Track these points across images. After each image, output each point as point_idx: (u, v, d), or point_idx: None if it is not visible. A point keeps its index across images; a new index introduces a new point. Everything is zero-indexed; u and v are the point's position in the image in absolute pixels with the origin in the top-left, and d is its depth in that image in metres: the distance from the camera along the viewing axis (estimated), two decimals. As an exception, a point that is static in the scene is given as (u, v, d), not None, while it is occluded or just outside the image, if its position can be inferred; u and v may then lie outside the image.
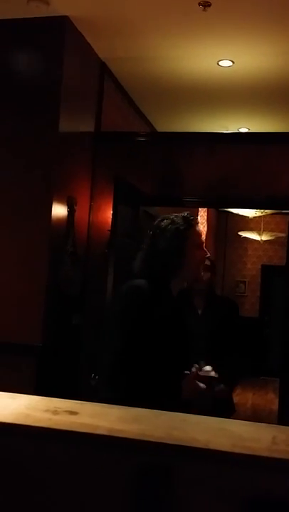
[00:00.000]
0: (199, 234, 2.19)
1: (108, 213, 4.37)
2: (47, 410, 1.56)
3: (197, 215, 9.03)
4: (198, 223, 2.22)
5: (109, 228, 4.32)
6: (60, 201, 3.65)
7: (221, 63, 4.30)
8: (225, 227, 10.29)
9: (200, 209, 8.92)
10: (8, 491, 1.44)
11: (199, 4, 3.40)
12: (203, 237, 2.22)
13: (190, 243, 2.13)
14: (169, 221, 2.17)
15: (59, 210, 3.64)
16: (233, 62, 4.28)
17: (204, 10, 3.43)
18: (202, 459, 1.36)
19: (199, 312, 3.46)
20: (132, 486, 1.40)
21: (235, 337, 3.41)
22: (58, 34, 3.67)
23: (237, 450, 1.34)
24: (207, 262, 3.44)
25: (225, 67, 4.35)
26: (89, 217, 4.14)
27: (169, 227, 2.14)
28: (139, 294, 2.05)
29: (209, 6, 3.42)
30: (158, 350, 1.99)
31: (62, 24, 3.65)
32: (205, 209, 8.98)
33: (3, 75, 3.75)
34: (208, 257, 3.43)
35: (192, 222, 2.16)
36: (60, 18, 3.62)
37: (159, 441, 1.38)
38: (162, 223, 2.17)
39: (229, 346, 3.31)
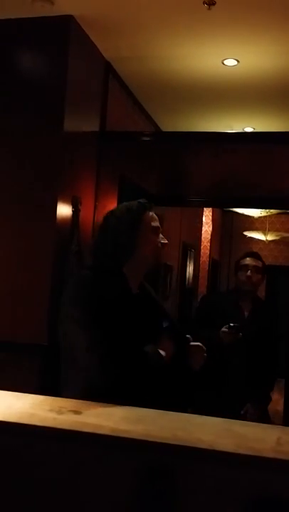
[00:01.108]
0: (155, 218, 2.10)
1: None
2: (51, 410, 1.56)
3: (202, 215, 9.03)
4: (152, 210, 2.11)
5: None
6: (64, 201, 3.65)
7: (225, 62, 4.28)
8: (230, 227, 10.27)
9: (205, 209, 8.91)
10: (13, 490, 1.44)
11: (204, 3, 3.38)
12: (158, 223, 2.10)
13: (144, 226, 2.06)
14: (121, 205, 2.16)
15: (64, 210, 3.64)
16: (238, 61, 4.26)
17: (209, 9, 3.42)
18: (206, 460, 1.35)
19: (246, 314, 3.38)
20: (136, 486, 1.40)
21: (275, 344, 3.37)
22: (62, 33, 3.66)
23: (241, 451, 1.33)
24: (257, 264, 3.38)
25: (230, 66, 4.33)
26: (94, 216, 4.14)
27: (120, 208, 2.13)
28: (84, 286, 1.96)
29: (214, 4, 3.40)
30: (123, 334, 1.89)
31: (66, 23, 3.64)
32: (210, 209, 8.98)
33: (8, 74, 3.75)
34: (259, 259, 3.41)
35: (147, 205, 2.10)
36: (64, 17, 3.62)
37: (164, 441, 1.38)
38: (115, 208, 2.16)
39: (269, 353, 3.29)
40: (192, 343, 2.19)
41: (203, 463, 1.36)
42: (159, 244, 2.10)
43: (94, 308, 1.88)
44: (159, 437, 1.40)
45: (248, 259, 3.43)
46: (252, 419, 3.00)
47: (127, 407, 1.64)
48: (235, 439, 1.42)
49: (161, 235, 2.11)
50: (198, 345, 2.20)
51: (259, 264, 3.40)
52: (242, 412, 3.09)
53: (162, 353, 1.97)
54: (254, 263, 3.39)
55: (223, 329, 3.11)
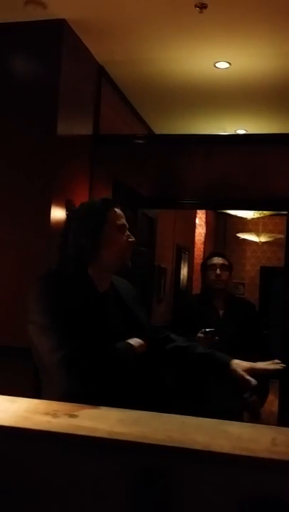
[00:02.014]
0: (120, 216, 2.01)
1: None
2: (46, 413, 1.56)
3: (195, 217, 9.04)
4: (117, 207, 2.03)
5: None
6: (58, 204, 3.65)
7: (217, 65, 4.31)
8: (223, 229, 10.30)
9: (198, 211, 8.93)
10: (9, 494, 1.44)
11: (196, 6, 3.39)
12: (124, 220, 2.02)
13: (109, 225, 1.96)
14: (85, 203, 2.09)
15: (58, 214, 3.64)
16: (230, 64, 4.28)
17: (201, 12, 3.43)
18: (202, 461, 1.36)
19: (221, 314, 3.41)
20: (132, 488, 1.40)
21: (258, 340, 3.37)
22: (55, 37, 3.67)
23: (237, 452, 1.34)
24: (224, 262, 3.43)
25: (222, 69, 4.36)
26: (87, 219, 4.14)
27: (84, 206, 2.05)
28: (47, 287, 1.91)
29: (205, 7, 3.42)
30: (86, 334, 1.83)
31: (59, 27, 3.65)
32: (203, 211, 8.99)
33: (1, 78, 3.75)
34: (224, 257, 3.44)
35: (111, 203, 2.02)
36: (57, 21, 3.63)
37: (159, 443, 1.39)
38: (78, 207, 2.08)
39: (254, 350, 3.29)
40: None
41: (198, 464, 1.37)
42: (125, 244, 2.01)
43: (54, 311, 1.83)
44: (155, 439, 1.40)
45: (214, 258, 3.49)
46: (254, 405, 3.00)
47: (122, 409, 1.64)
48: (231, 440, 1.42)
49: (127, 233, 2.02)
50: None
51: (226, 262, 3.46)
52: (245, 396, 3.07)
53: (133, 342, 1.93)
54: (221, 261, 3.45)
55: (199, 335, 3.12)
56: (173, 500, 1.37)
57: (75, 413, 1.58)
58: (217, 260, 3.46)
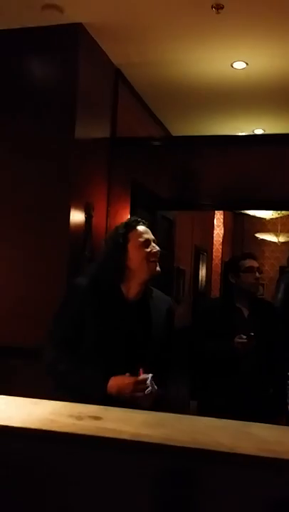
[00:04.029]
0: (140, 234, 2.22)
1: (125, 218, 4.37)
2: (71, 416, 1.57)
3: (213, 218, 9.01)
4: (140, 223, 2.26)
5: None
6: (77, 207, 3.67)
7: (234, 65, 4.29)
8: (242, 230, 10.24)
9: (216, 212, 8.90)
10: (35, 494, 1.45)
11: (212, 7, 3.39)
12: (147, 235, 2.23)
13: (132, 244, 2.20)
14: (113, 230, 2.32)
15: (77, 217, 3.66)
16: (246, 64, 4.27)
17: (217, 12, 3.43)
18: (227, 463, 1.35)
19: (245, 315, 3.38)
20: (157, 489, 1.41)
21: (282, 340, 3.35)
22: (72, 41, 3.69)
23: (262, 453, 1.34)
24: (259, 264, 3.38)
25: (239, 69, 4.34)
26: (106, 222, 4.16)
27: (111, 235, 2.30)
28: (76, 290, 2.23)
29: (222, 8, 3.41)
30: (95, 344, 2.11)
31: (76, 31, 3.67)
32: (221, 211, 8.96)
33: (20, 82, 3.78)
34: (253, 258, 3.41)
35: (133, 224, 2.24)
36: (74, 25, 3.65)
37: (184, 445, 1.38)
38: (110, 233, 2.35)
39: (278, 349, 3.27)
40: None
41: (223, 466, 1.36)
42: (148, 256, 2.19)
43: (59, 316, 2.23)
44: (179, 441, 1.40)
45: (250, 260, 3.41)
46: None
47: (146, 411, 1.65)
48: (256, 442, 1.42)
49: (152, 245, 2.21)
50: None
51: (258, 264, 3.42)
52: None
53: (112, 383, 2.01)
54: (257, 264, 3.40)
55: (239, 340, 3.10)
56: (197, 501, 1.37)
57: (99, 415, 1.59)
58: (254, 263, 3.39)
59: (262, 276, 3.57)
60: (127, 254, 2.19)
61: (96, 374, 2.04)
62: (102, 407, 1.69)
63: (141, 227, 2.24)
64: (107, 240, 2.35)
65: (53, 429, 1.46)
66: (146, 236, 2.22)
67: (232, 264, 3.49)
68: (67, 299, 2.27)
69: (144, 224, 2.28)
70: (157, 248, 2.22)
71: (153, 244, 2.22)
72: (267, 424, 1.61)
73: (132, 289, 2.22)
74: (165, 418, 1.60)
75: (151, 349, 2.16)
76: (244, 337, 3.08)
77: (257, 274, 3.34)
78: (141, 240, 2.20)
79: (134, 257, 2.19)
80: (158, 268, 2.21)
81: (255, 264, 3.38)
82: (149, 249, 2.20)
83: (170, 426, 1.54)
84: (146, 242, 2.21)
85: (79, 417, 1.55)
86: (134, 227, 2.23)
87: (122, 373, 2.01)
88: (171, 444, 1.39)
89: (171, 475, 1.40)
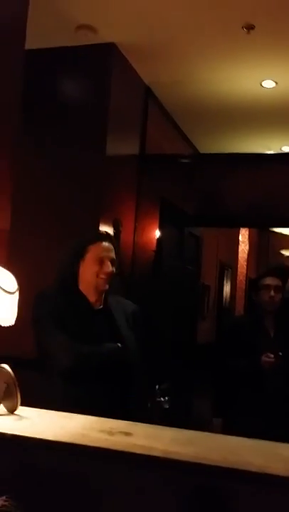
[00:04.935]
0: (100, 249, 2.28)
1: (152, 234, 4.42)
2: (102, 431, 1.60)
3: (238, 234, 9.00)
4: (107, 239, 2.33)
5: (154, 249, 4.36)
6: (106, 223, 3.72)
7: (264, 84, 4.33)
8: (267, 246, 10.19)
9: (241, 228, 8.88)
10: (67, 508, 1.48)
11: (243, 27, 3.45)
12: (107, 253, 2.28)
13: (88, 257, 2.27)
14: (79, 237, 2.39)
15: (105, 232, 3.71)
16: (276, 83, 4.30)
17: (248, 33, 3.48)
18: (257, 483, 1.36)
19: (271, 334, 3.35)
20: (186, 507, 1.42)
21: None
22: (104, 60, 3.77)
23: (293, 475, 1.34)
24: (278, 283, 3.32)
25: (268, 87, 4.37)
26: (134, 238, 4.20)
27: (75, 240, 2.36)
28: (43, 298, 2.27)
29: (253, 28, 3.46)
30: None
31: (108, 51, 3.75)
32: (246, 228, 8.94)
33: (53, 100, 3.87)
34: (275, 275, 3.38)
35: (98, 238, 2.32)
36: (107, 45, 3.73)
37: (214, 464, 1.39)
38: (76, 238, 2.40)
39: None
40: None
41: (253, 486, 1.37)
42: (98, 272, 2.25)
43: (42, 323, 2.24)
44: (210, 460, 1.41)
45: (269, 278, 3.39)
46: None
47: (175, 428, 1.66)
48: (286, 463, 1.42)
49: (107, 264, 2.26)
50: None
51: (279, 283, 3.36)
52: None
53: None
54: (275, 282, 3.35)
55: (267, 359, 3.09)
56: (228, 521, 1.37)
57: (130, 431, 1.61)
58: (271, 281, 3.35)
59: (281, 296, 3.49)
60: (82, 264, 2.27)
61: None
62: (131, 422, 1.71)
63: (105, 244, 2.30)
64: (71, 243, 2.38)
65: (85, 443, 1.49)
66: (104, 254, 2.27)
67: (254, 282, 3.48)
68: (39, 310, 2.26)
69: (110, 241, 2.34)
70: (110, 269, 2.27)
71: (108, 263, 2.27)
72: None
73: (90, 296, 2.29)
74: (194, 436, 1.62)
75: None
76: (271, 356, 3.07)
77: (272, 292, 3.30)
78: (98, 255, 2.26)
79: (86, 269, 2.27)
80: (106, 286, 2.27)
81: (273, 282, 3.34)
82: (102, 267, 2.25)
83: (200, 444, 1.55)
84: (102, 260, 2.26)
85: (110, 433, 1.57)
86: (99, 241, 2.30)
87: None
88: (202, 462, 1.40)
89: (200, 493, 1.41)
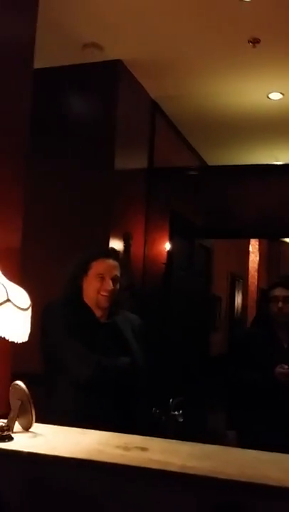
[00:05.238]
0: (105, 266, 2.28)
1: (162, 247, 4.43)
2: (118, 446, 1.59)
3: (249, 245, 8.99)
4: (112, 256, 2.34)
5: (164, 262, 4.37)
6: (116, 237, 3.74)
7: (270, 96, 4.34)
8: (278, 256, 10.15)
9: (251, 239, 8.87)
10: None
11: (249, 41, 3.47)
12: (110, 271, 2.28)
13: (91, 273, 2.27)
14: (86, 250, 2.40)
15: (116, 246, 3.72)
16: (283, 95, 4.31)
17: (254, 47, 3.50)
18: (275, 497, 1.35)
19: (285, 346, 3.33)
20: (205, 523, 1.41)
21: None
22: (111, 77, 3.81)
23: (311, 488, 1.33)
24: (280, 293, 3.31)
25: (275, 99, 4.39)
26: (144, 251, 4.21)
27: (81, 255, 2.37)
28: (51, 310, 2.26)
29: (258, 42, 3.48)
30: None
31: (115, 67, 3.79)
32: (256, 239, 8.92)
33: (62, 117, 3.91)
34: (284, 286, 3.37)
35: (103, 255, 2.33)
36: (113, 61, 3.77)
37: (232, 478, 1.39)
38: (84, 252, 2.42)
39: None
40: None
41: (272, 500, 1.36)
42: (99, 289, 2.26)
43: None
44: (227, 474, 1.41)
45: (277, 289, 3.38)
46: None
47: (191, 443, 1.66)
48: (304, 477, 1.41)
49: (108, 282, 2.26)
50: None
51: (288, 293, 3.34)
52: None
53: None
54: (284, 293, 3.33)
55: (281, 370, 3.07)
56: (247, 536, 1.36)
57: (146, 446, 1.61)
58: (280, 292, 3.34)
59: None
60: (85, 279, 2.28)
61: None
62: (147, 437, 1.71)
63: (109, 261, 2.30)
64: (79, 255, 2.38)
65: (102, 459, 1.49)
66: (106, 271, 2.27)
67: (263, 293, 3.47)
68: (49, 322, 2.26)
69: (116, 258, 2.34)
70: (111, 287, 2.26)
71: (109, 281, 2.26)
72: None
73: (95, 310, 2.29)
74: (211, 450, 1.61)
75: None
76: (286, 367, 3.05)
77: (280, 304, 3.29)
78: (100, 272, 2.26)
79: (88, 284, 2.28)
80: (107, 304, 2.27)
81: (282, 293, 3.33)
82: (102, 284, 2.25)
83: (216, 458, 1.54)
84: (103, 277, 2.26)
85: (126, 448, 1.57)
86: (102, 258, 2.30)
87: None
88: (219, 476, 1.40)
89: (219, 507, 1.41)
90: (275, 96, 4.33)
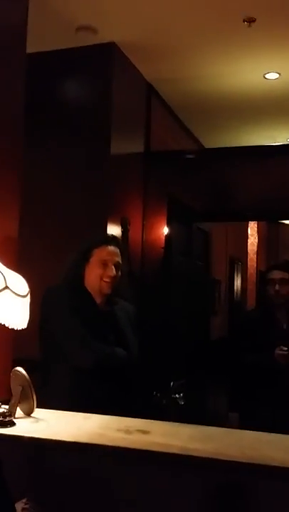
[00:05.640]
0: (106, 253, 2.30)
1: (160, 231, 4.42)
2: (119, 430, 1.60)
3: (247, 227, 8.97)
4: (113, 243, 2.36)
5: (163, 246, 4.36)
6: (114, 222, 3.72)
7: (267, 76, 4.29)
8: (277, 238, 10.14)
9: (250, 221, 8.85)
10: (86, 507, 1.48)
11: (244, 21, 3.42)
12: (112, 257, 2.31)
13: (93, 260, 2.30)
14: (88, 238, 2.45)
15: (113, 231, 3.70)
16: (279, 74, 4.26)
17: (249, 26, 3.45)
18: (279, 477, 1.36)
19: (284, 326, 3.36)
20: (206, 503, 1.42)
21: None
22: (105, 60, 3.76)
23: (313, 468, 1.33)
24: (284, 276, 3.31)
25: (271, 79, 4.34)
26: (142, 236, 4.20)
27: (83, 242, 2.41)
28: (52, 296, 2.30)
29: (254, 21, 3.43)
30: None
31: (109, 50, 3.74)
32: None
33: (56, 101, 3.87)
34: (280, 269, 3.39)
35: (104, 241, 2.35)
36: (107, 44, 3.72)
37: (233, 459, 1.40)
38: (85, 239, 2.47)
39: None
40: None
41: (274, 480, 1.37)
42: (102, 275, 2.28)
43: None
44: (229, 455, 1.41)
45: (274, 272, 3.41)
46: None
47: (192, 425, 1.66)
48: (305, 456, 1.42)
49: (111, 267, 2.28)
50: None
51: (286, 276, 3.36)
52: None
53: None
54: (280, 276, 3.36)
55: (280, 352, 3.09)
56: (249, 516, 1.37)
57: (147, 429, 1.61)
58: (276, 275, 3.37)
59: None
60: (87, 267, 2.30)
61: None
62: (148, 420, 1.72)
63: (111, 247, 2.33)
64: (81, 243, 2.42)
65: (103, 443, 1.49)
66: (109, 258, 2.30)
67: (263, 275, 3.50)
68: (50, 307, 2.28)
69: (117, 245, 2.37)
70: (114, 273, 2.28)
71: (112, 267, 2.29)
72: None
73: (95, 297, 2.31)
74: (212, 432, 1.62)
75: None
76: (285, 349, 3.06)
77: (277, 286, 3.32)
78: (103, 259, 2.29)
79: (90, 271, 2.30)
80: (109, 290, 2.29)
81: (278, 275, 3.36)
82: (105, 270, 2.28)
83: (218, 440, 1.55)
84: (106, 264, 2.29)
85: (127, 431, 1.58)
86: (104, 245, 2.33)
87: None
88: (221, 458, 1.40)
89: (221, 488, 1.41)
90: (272, 76, 4.28)
